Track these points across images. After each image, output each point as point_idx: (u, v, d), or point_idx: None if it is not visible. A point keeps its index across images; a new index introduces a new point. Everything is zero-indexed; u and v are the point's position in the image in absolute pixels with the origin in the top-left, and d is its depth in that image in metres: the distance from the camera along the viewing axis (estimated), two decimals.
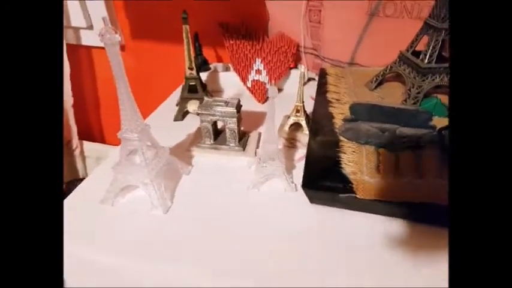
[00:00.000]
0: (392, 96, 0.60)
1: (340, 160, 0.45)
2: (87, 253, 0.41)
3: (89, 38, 0.86)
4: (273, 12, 0.74)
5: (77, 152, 1.05)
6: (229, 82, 0.75)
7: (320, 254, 0.39)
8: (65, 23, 0.81)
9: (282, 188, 0.49)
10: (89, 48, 0.91)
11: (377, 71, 0.64)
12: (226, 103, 0.53)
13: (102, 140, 1.11)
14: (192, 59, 0.60)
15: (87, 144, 1.05)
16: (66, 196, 0.48)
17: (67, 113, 0.96)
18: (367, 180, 0.42)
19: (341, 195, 0.42)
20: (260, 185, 0.49)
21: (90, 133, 1.10)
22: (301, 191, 0.46)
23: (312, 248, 0.40)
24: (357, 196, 0.41)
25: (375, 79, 0.62)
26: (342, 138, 0.48)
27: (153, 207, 0.45)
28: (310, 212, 0.45)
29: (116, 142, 1.08)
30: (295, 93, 0.55)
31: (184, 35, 0.58)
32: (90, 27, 0.83)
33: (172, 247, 0.40)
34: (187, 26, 0.57)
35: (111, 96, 1.02)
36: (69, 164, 1.07)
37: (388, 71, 0.60)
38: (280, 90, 0.75)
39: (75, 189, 0.50)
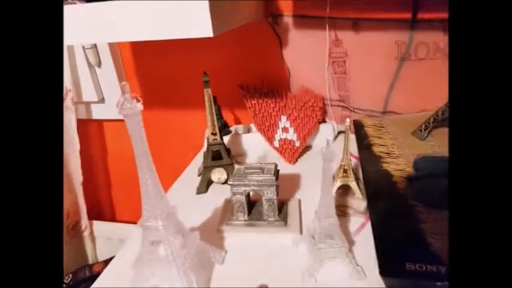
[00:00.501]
0: (447, 144, 0.51)
1: (422, 232, 0.35)
2: None
3: (99, 112, 0.83)
4: (292, 66, 0.70)
5: (86, 234, 0.94)
6: (252, 144, 0.68)
7: None
8: (76, 99, 0.77)
9: (346, 274, 0.38)
10: (100, 122, 0.87)
11: (421, 117, 0.57)
12: (262, 169, 0.45)
13: (112, 219, 1.02)
14: (216, 123, 0.54)
15: (96, 224, 0.95)
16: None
17: (76, 191, 0.89)
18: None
19: (438, 283, 0.31)
20: (317, 271, 0.38)
21: (99, 212, 1.01)
22: (370, 278, 0.35)
23: None
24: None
25: (424, 126, 0.54)
26: (414, 202, 0.38)
27: None
28: None
29: (127, 219, 0.96)
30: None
31: (206, 98, 0.52)
32: (101, 100, 0.80)
33: None
34: (209, 90, 0.52)
35: (122, 172, 0.96)
36: (78, 247, 0.96)
37: (440, 115, 0.52)
38: (309, 147, 0.68)
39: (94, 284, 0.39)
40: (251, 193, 0.48)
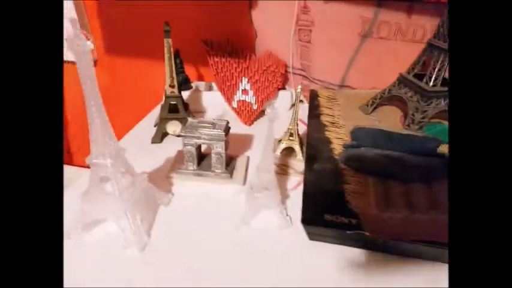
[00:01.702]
0: (388, 120, 0.57)
1: (344, 192, 0.40)
2: None
3: None
4: (260, 30, 0.71)
5: None
6: (213, 102, 0.69)
7: None
8: None
9: (275, 222, 0.43)
10: None
11: (371, 94, 0.62)
12: (214, 125, 0.47)
13: (69, 162, 1.01)
14: (174, 76, 0.54)
15: None
16: None
17: None
18: (377, 214, 0.37)
19: (348, 232, 0.37)
20: (251, 219, 0.43)
21: None
22: (296, 226, 0.40)
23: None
24: (365, 233, 0.36)
25: (371, 102, 0.59)
26: (344, 166, 0.44)
27: (127, 245, 0.37)
28: (307, 250, 0.39)
29: (85, 164, 0.97)
30: (282, 115, 0.50)
31: (166, 49, 0.52)
32: None
33: None
34: (170, 40, 0.52)
35: (81, 115, 0.94)
36: None
37: (386, 94, 0.57)
38: (264, 112, 0.71)
39: None
40: (203, 146, 0.51)
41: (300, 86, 0.48)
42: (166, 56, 0.52)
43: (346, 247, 0.39)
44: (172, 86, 0.55)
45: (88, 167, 0.38)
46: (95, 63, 0.80)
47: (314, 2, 0.65)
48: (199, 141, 0.47)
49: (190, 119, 0.48)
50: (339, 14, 0.64)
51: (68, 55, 0.80)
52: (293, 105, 0.73)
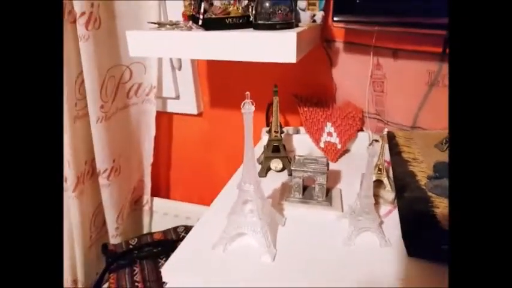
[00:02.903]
0: None
1: (435, 214, 0.48)
2: None
3: (174, 106, 1.00)
4: (339, 84, 0.85)
5: (146, 208, 1.12)
6: (301, 143, 0.83)
7: None
8: (157, 94, 0.95)
9: (376, 242, 0.52)
10: (171, 115, 1.05)
11: (443, 134, 0.70)
12: (316, 161, 0.60)
13: (167, 196, 1.19)
14: (279, 124, 0.69)
15: (156, 200, 1.13)
16: (142, 249, 0.53)
17: (144, 170, 1.07)
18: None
19: (443, 246, 0.44)
20: (355, 237, 0.53)
21: (159, 190, 1.19)
22: (396, 246, 0.49)
23: None
24: None
25: (444, 141, 0.68)
26: (431, 194, 0.52)
27: (262, 254, 0.49)
28: (407, 265, 0.47)
29: (180, 198, 1.14)
30: (362, 153, 0.61)
31: (274, 103, 0.68)
32: (177, 97, 0.97)
33: None
34: (277, 98, 0.68)
35: (182, 158, 1.13)
36: (138, 219, 1.14)
37: None
38: (348, 150, 0.82)
39: (188, 236, 0.55)
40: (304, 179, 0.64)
41: (386, 129, 0.59)
42: (274, 108, 0.68)
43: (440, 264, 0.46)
44: (276, 132, 0.70)
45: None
46: (201, 114, 1.00)
47: (385, 59, 0.78)
48: (305, 174, 0.60)
49: (297, 156, 0.62)
50: (407, 69, 0.75)
51: (181, 108, 1.00)
52: (371, 144, 0.83)
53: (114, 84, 0.89)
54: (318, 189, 0.60)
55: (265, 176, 0.72)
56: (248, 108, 0.45)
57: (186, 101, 0.97)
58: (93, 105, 0.82)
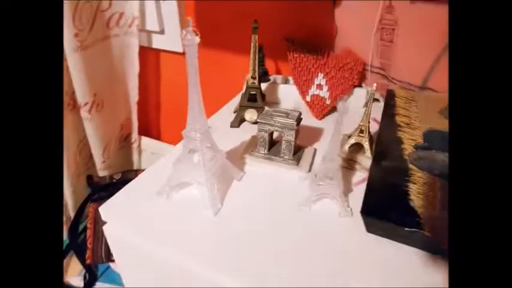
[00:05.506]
0: None
1: (408, 190, 0.41)
2: (138, 239, 0.44)
3: (159, 42, 0.92)
4: (341, 28, 0.72)
5: (134, 146, 1.11)
6: (287, 95, 0.73)
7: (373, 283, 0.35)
8: (140, 27, 0.87)
9: (336, 211, 0.45)
10: (158, 51, 0.97)
11: None
12: (287, 114, 0.52)
13: (158, 137, 1.16)
14: (256, 68, 0.60)
15: (144, 139, 1.11)
16: (125, 184, 0.52)
17: (131, 108, 1.03)
18: (440, 217, 0.37)
19: (406, 229, 0.38)
20: (312, 203, 0.46)
21: (148, 129, 1.16)
22: (356, 217, 0.43)
23: (362, 277, 0.36)
24: (425, 233, 0.37)
25: None
26: (412, 166, 0.44)
27: (204, 207, 0.45)
28: (364, 242, 0.41)
29: (171, 140, 1.11)
30: (356, 112, 0.52)
31: (252, 44, 0.58)
32: (162, 31, 0.88)
33: (218, 250, 0.40)
34: (256, 36, 0.58)
35: (172, 99, 1.08)
36: (127, 155, 1.13)
37: None
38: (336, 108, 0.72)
39: (136, 178, 0.52)
40: (275, 133, 0.56)
41: (375, 84, 0.49)
42: (251, 50, 0.58)
43: (402, 245, 0.40)
44: (253, 78, 0.61)
45: (172, 142, 0.46)
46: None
47: (400, 1, 0.64)
48: (272, 128, 0.52)
49: (267, 108, 0.54)
50: (425, 15, 0.61)
51: (167, 45, 0.92)
52: (367, 102, 0.73)
53: (91, 11, 0.81)
54: (284, 146, 0.53)
55: (238, 127, 0.65)
56: (191, 39, 0.36)
57: (171, 36, 0.87)
58: (66, 33, 0.76)
